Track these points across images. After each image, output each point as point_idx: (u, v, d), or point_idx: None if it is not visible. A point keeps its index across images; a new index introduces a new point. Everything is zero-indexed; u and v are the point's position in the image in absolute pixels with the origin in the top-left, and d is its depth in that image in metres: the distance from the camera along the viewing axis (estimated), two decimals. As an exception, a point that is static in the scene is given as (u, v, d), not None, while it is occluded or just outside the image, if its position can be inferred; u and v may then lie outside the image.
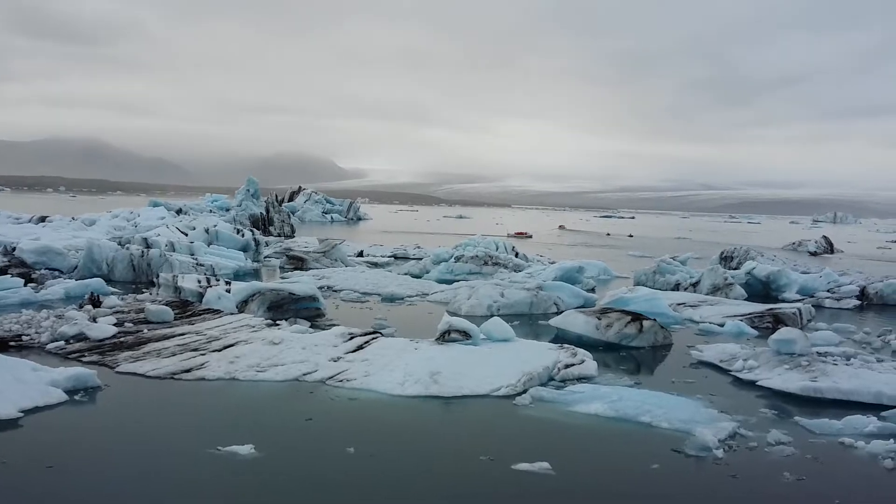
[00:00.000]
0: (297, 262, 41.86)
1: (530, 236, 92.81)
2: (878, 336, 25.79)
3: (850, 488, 11.81)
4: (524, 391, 16.26)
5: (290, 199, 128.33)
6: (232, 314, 23.56)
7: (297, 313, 24.78)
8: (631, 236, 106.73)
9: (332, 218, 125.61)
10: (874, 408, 15.96)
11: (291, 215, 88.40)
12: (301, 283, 27.83)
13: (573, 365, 18.48)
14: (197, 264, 35.09)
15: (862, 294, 36.56)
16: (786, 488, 11.52)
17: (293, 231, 75.55)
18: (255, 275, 38.23)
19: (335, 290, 32.22)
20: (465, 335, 20.24)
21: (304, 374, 17.02)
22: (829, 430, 14.45)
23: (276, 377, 16.84)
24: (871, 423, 14.59)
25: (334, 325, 22.68)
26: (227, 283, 27.09)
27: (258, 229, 60.88)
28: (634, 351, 22.10)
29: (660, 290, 35.00)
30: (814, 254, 76.97)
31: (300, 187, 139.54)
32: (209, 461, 11.65)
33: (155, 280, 28.55)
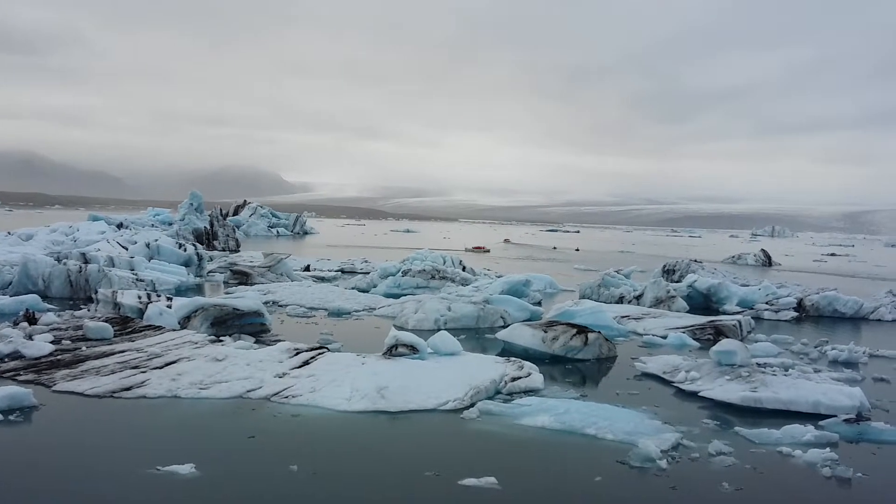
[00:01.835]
0: (242, 277, 41.25)
1: (488, 250, 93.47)
2: (815, 347, 26.54)
3: (786, 497, 12.06)
4: (471, 405, 16.26)
5: (235, 213, 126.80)
6: (174, 330, 23.07)
7: (241, 329, 24.40)
8: (577, 250, 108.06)
9: (278, 232, 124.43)
10: (812, 417, 16.40)
11: (236, 229, 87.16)
12: (245, 298, 27.45)
13: (520, 378, 18.56)
14: (137, 280, 34.34)
15: (799, 306, 37.58)
16: (724, 498, 11.70)
17: (238, 245, 74.51)
18: (198, 290, 37.58)
19: (281, 306, 31.85)
20: (413, 349, 20.18)
21: (249, 391, 16.72)
22: (768, 439, 14.76)
23: (220, 394, 16.51)
24: (808, 432, 14.94)
25: (280, 340, 22.41)
26: (169, 298, 26.56)
27: (202, 244, 59.89)
28: (580, 363, 22.30)
29: (604, 303, 35.49)
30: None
31: (245, 201, 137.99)
32: (147, 482, 11.33)
33: (93, 296, 27.85)
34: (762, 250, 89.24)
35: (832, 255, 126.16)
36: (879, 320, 36.43)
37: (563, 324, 24.23)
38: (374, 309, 31.98)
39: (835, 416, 16.28)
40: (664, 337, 27.14)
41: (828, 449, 14.05)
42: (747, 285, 41.81)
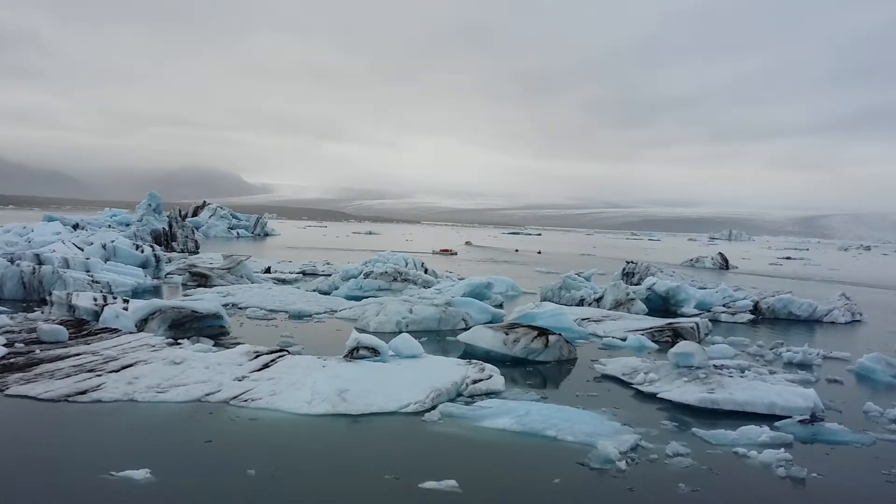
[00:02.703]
0: (201, 279, 40.70)
1: (455, 253, 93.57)
2: (771, 349, 27.04)
3: (741, 498, 12.22)
4: (433, 407, 16.25)
5: (195, 215, 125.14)
6: (131, 333, 22.69)
7: (200, 332, 24.09)
8: (539, 253, 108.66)
9: (238, 233, 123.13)
10: (767, 418, 16.68)
11: (195, 231, 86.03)
12: (204, 300, 27.11)
13: (481, 380, 18.59)
14: (93, 281, 33.69)
15: (755, 308, 38.24)
16: (680, 499, 11.83)
17: (197, 247, 73.55)
18: (156, 292, 37.01)
19: (240, 308, 31.51)
20: (374, 352, 20.12)
21: (207, 395, 16.50)
22: (724, 440, 14.98)
23: (178, 398, 16.26)
24: (764, 433, 15.19)
25: (239, 343, 22.14)
26: (126, 300, 26.10)
27: (160, 245, 58.95)
28: (541, 365, 22.41)
29: (565, 305, 35.77)
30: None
31: (205, 202, 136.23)
32: (100, 488, 11.10)
33: (48, 298, 27.25)
34: (719, 254, 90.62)
35: (787, 258, 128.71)
36: (833, 322, 37.21)
37: (524, 326, 24.33)
38: (336, 311, 31.79)
39: (790, 417, 16.59)
40: (623, 339, 27.40)
41: (782, 449, 14.30)
42: (705, 288, 42.40)
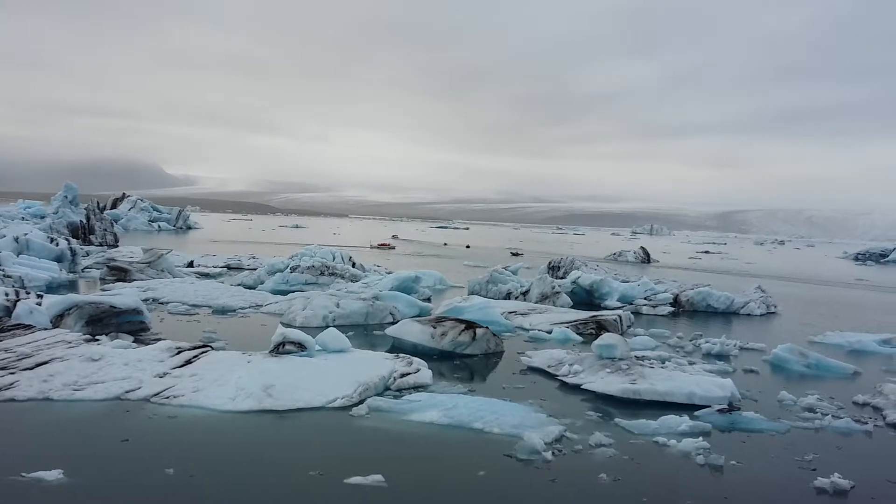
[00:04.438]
0: (120, 274, 39.47)
1: (393, 247, 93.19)
2: (690, 340, 27.83)
3: (660, 485, 12.50)
4: (360, 402, 16.16)
5: (114, 207, 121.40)
6: (46, 329, 21.80)
7: (119, 327, 23.35)
8: (468, 247, 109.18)
9: (159, 227, 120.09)
10: (687, 408, 17.15)
11: (115, 224, 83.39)
12: (123, 295, 26.24)
13: (409, 374, 18.57)
14: (4, 276, 32.30)
15: (675, 301, 39.27)
16: (601, 489, 12.04)
17: (116, 240, 71.34)
18: (72, 287, 35.71)
19: (161, 303, 30.69)
20: (300, 347, 19.86)
21: (127, 392, 16.01)
22: (646, 430, 15.34)
23: (96, 395, 15.73)
24: (683, 422, 15.61)
25: (160, 339, 21.55)
26: (39, 296, 25.08)
27: (77, 238, 57.08)
28: (468, 358, 22.53)
29: (492, 298, 36.05)
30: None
31: (124, 194, 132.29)
32: (10, 490, 10.64)
33: (-46, 293, 25.94)
34: (641, 248, 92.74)
35: (706, 252, 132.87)
36: (749, 315, 38.51)
37: (451, 319, 24.41)
38: (261, 306, 31.30)
39: (708, 406, 17.10)
40: (549, 332, 27.79)
41: (701, 438, 14.72)
42: (627, 281, 43.33)
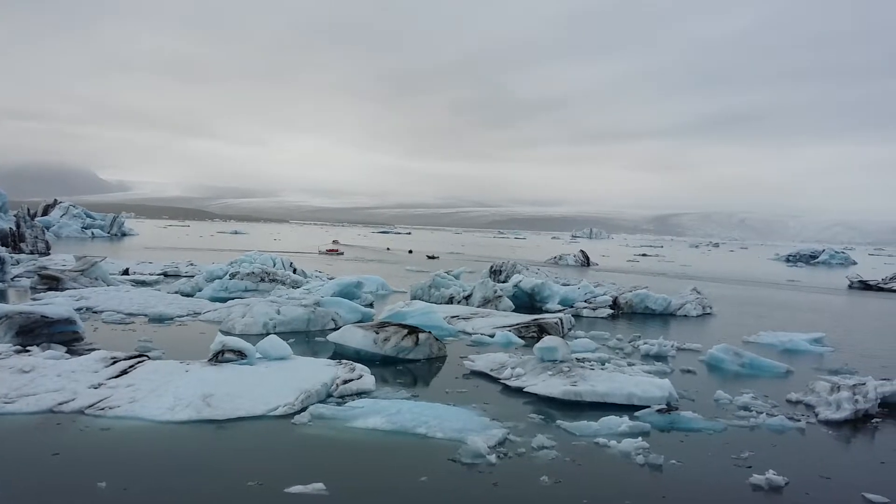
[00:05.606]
0: (52, 282, 38.27)
1: (342, 253, 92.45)
2: (629, 342, 28.29)
3: (601, 486, 12.63)
4: (302, 409, 15.98)
5: (45, 213, 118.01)
6: (-29, 341, 21.02)
7: (51, 338, 22.62)
8: (411, 252, 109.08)
9: (93, 233, 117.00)
10: (627, 408, 17.42)
11: (46, 231, 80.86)
12: (55, 304, 25.46)
13: (351, 380, 18.43)
14: (-73, 286, 31.03)
15: (614, 303, 39.90)
16: (543, 491, 12.11)
17: (48, 248, 69.17)
18: (2, 296, 34.51)
19: (95, 312, 29.88)
20: (240, 354, 19.55)
21: (60, 404, 15.54)
22: (587, 431, 15.51)
23: (27, 408, 15.22)
24: (623, 422, 15.84)
25: (95, 349, 20.99)
26: (-35, 306, 24.15)
27: (6, 246, 55.20)
28: (411, 364, 22.49)
29: (435, 303, 36.06)
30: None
31: (56, 200, 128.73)
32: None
33: None
34: (581, 251, 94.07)
35: (644, 255, 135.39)
36: (686, 316, 39.34)
37: (394, 325, 24.35)
38: (199, 314, 30.73)
39: (647, 406, 17.39)
40: (491, 335, 27.93)
41: (640, 438, 14.94)
42: (568, 285, 43.83)
